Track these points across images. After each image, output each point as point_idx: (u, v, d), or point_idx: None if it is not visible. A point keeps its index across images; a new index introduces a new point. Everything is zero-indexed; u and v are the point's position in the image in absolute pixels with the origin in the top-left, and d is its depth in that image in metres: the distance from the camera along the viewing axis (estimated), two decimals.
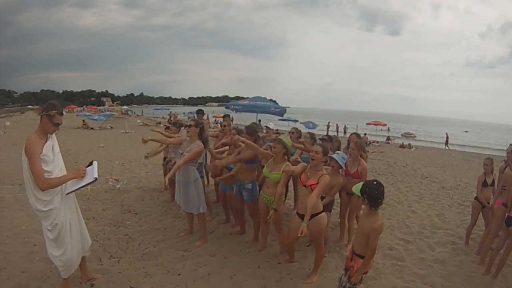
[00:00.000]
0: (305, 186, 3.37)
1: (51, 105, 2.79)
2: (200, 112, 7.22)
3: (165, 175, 6.67)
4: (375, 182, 2.67)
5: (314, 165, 3.39)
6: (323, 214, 3.43)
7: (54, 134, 2.92)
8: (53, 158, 2.83)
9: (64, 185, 2.89)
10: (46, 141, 2.80)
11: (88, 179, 2.92)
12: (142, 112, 55.63)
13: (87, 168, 3.01)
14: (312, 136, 4.90)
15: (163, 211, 5.55)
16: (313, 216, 3.33)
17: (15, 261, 3.60)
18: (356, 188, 2.71)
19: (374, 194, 2.61)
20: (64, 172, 2.95)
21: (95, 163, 3.07)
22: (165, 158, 6.34)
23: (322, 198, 3.54)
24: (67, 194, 2.90)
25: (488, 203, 4.60)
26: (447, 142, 26.51)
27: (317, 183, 3.28)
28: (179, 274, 3.56)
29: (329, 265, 3.94)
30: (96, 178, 2.92)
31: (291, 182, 5.22)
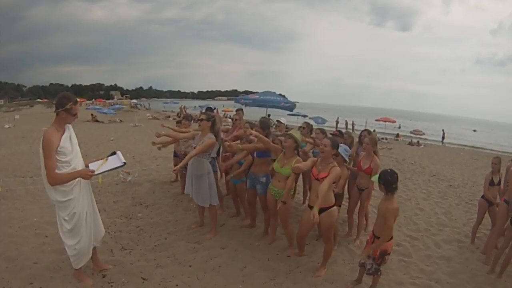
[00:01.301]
0: (317, 179, 3.43)
1: (65, 98, 2.81)
2: (210, 110, 7.36)
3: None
4: (389, 170, 3.12)
5: (324, 158, 3.45)
6: (335, 208, 3.50)
7: (70, 125, 2.96)
8: (72, 149, 2.89)
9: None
10: (63, 133, 2.85)
11: (116, 163, 3.06)
12: (149, 105, 55.45)
13: (110, 157, 3.13)
14: (322, 131, 4.94)
15: (174, 204, 5.63)
16: (325, 209, 3.39)
17: (27, 252, 3.63)
18: (375, 177, 3.18)
19: (388, 180, 3.04)
20: (82, 162, 3.02)
21: (118, 152, 3.19)
22: (175, 153, 6.42)
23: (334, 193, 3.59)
24: (96, 174, 2.95)
25: None
26: (443, 138, 26.56)
27: (328, 174, 3.36)
28: (190, 266, 3.63)
29: (337, 259, 4.01)
30: (125, 163, 3.07)
31: (300, 177, 5.27)
